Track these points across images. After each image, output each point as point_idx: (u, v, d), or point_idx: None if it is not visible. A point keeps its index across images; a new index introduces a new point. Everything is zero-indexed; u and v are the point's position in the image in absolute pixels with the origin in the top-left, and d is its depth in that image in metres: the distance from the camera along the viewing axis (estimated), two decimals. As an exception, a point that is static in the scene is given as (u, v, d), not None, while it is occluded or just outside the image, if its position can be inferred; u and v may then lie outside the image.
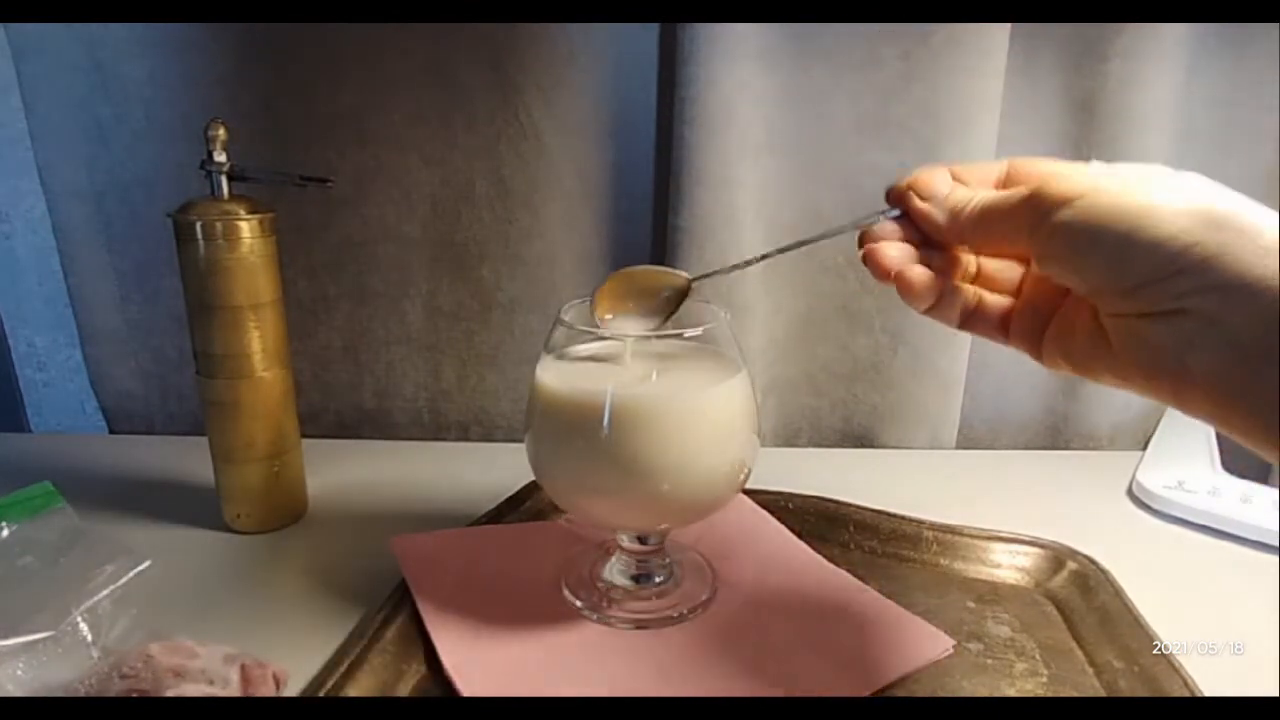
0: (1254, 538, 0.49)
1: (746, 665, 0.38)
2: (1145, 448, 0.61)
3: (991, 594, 0.44)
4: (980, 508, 0.51)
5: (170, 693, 0.33)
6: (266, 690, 0.35)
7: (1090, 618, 0.41)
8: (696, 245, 0.60)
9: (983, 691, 0.36)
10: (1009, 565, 0.46)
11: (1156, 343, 0.26)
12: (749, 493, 0.51)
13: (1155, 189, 0.26)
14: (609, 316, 0.39)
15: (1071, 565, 0.45)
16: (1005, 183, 0.32)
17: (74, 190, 0.62)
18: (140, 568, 0.39)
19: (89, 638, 0.36)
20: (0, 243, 0.69)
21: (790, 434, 0.69)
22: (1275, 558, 0.48)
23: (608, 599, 0.42)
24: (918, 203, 0.32)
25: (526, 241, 0.63)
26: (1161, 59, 0.57)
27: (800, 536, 0.48)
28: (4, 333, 0.71)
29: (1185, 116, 0.59)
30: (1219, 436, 0.58)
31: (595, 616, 0.41)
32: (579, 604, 0.42)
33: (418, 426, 0.69)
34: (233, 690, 0.34)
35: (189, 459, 0.55)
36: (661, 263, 0.62)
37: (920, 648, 0.39)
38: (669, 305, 0.39)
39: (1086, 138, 0.59)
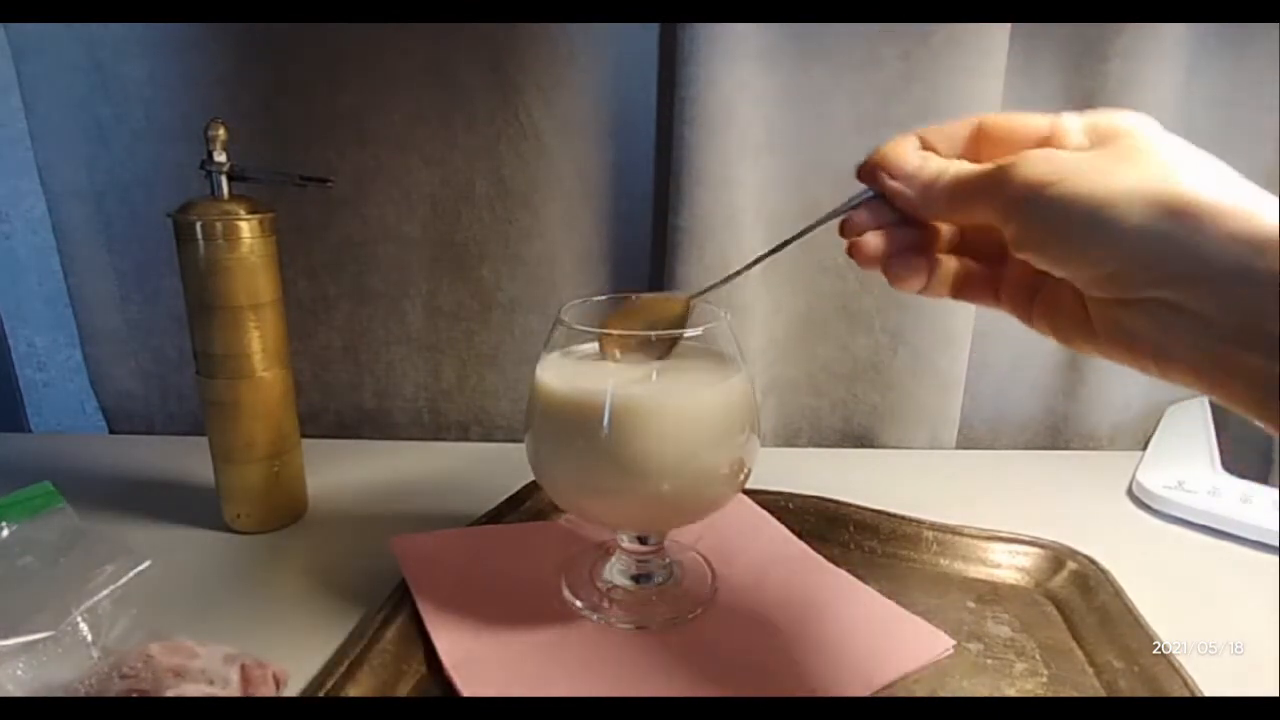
0: (1254, 538, 0.49)
1: (746, 665, 0.38)
2: (1145, 448, 0.61)
3: (991, 594, 0.44)
4: (980, 508, 0.51)
5: (170, 693, 0.33)
6: (266, 690, 0.35)
7: (1090, 618, 0.41)
8: (696, 245, 0.60)
9: (983, 691, 0.36)
10: (1009, 565, 0.46)
11: (1133, 328, 0.26)
12: (749, 493, 0.51)
13: (1118, 176, 0.25)
14: (618, 355, 0.39)
15: (1071, 565, 0.45)
16: (975, 142, 0.31)
17: (74, 190, 0.62)
18: (140, 568, 0.39)
19: (89, 638, 0.36)
20: (0, 243, 0.69)
21: (790, 434, 0.69)
22: (1275, 558, 0.48)
23: (608, 599, 0.42)
24: (889, 183, 0.31)
25: (526, 241, 0.63)
26: (1161, 59, 0.57)
27: (800, 536, 0.48)
28: (4, 333, 0.71)
29: (1185, 116, 0.59)
30: (1219, 436, 0.58)
31: (595, 616, 0.41)
32: (579, 604, 0.42)
33: (418, 426, 0.69)
34: (233, 690, 0.34)
35: (189, 459, 0.55)
36: (661, 263, 0.62)
37: (920, 648, 0.39)
38: (674, 335, 0.39)
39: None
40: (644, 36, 0.60)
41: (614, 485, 0.38)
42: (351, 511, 0.53)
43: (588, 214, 0.64)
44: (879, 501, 0.51)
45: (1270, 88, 0.59)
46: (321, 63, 0.59)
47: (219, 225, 0.45)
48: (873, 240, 0.32)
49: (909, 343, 0.63)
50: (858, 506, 0.51)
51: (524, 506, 0.51)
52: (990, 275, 0.33)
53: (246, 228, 0.46)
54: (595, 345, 0.40)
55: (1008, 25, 0.56)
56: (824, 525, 0.50)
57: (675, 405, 0.37)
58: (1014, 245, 0.28)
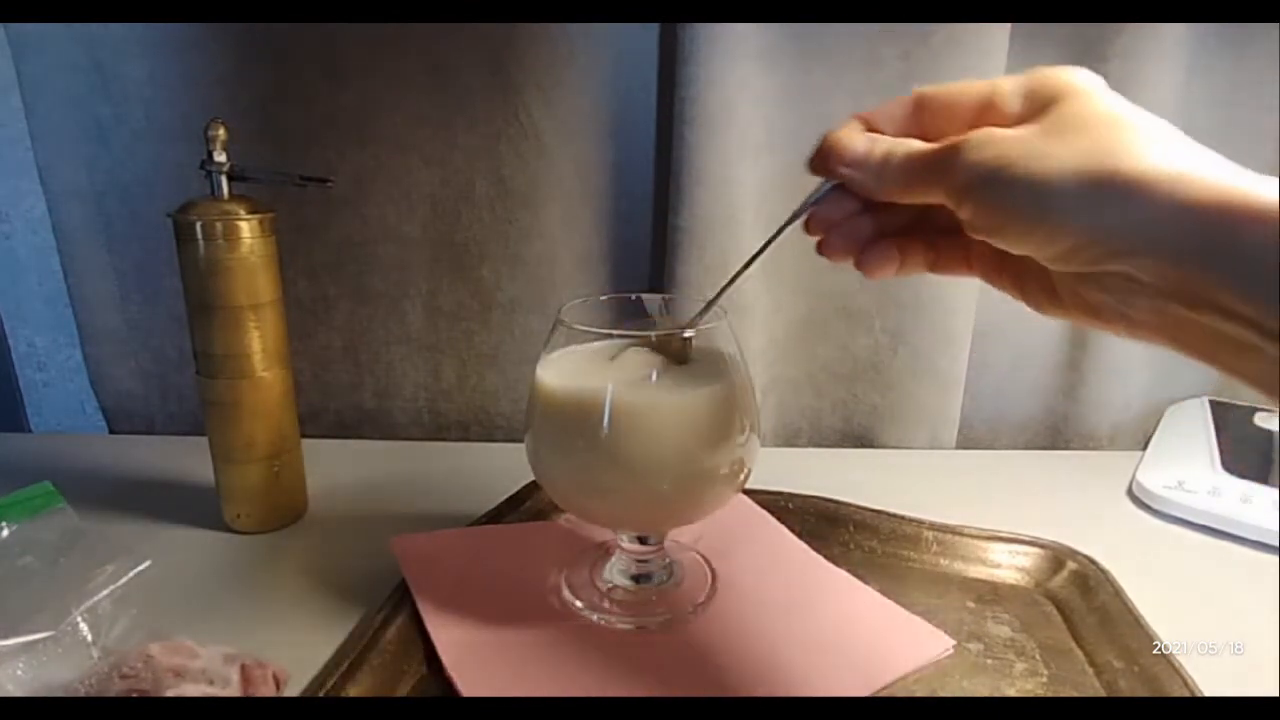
0: (1254, 538, 0.49)
1: (746, 665, 0.38)
2: (1145, 448, 0.61)
3: (991, 594, 0.44)
4: (980, 508, 0.51)
5: (170, 693, 0.33)
6: (266, 690, 0.35)
7: (1090, 618, 0.41)
8: (696, 245, 0.60)
9: (983, 691, 0.36)
10: (1009, 565, 0.46)
11: (1094, 298, 0.27)
12: (749, 493, 0.51)
13: (1057, 156, 0.25)
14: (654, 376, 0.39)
15: (1071, 565, 0.45)
16: (916, 116, 0.31)
17: (74, 190, 0.62)
18: (140, 568, 0.39)
19: (89, 638, 0.36)
20: (0, 243, 0.69)
21: (790, 434, 0.69)
22: (1275, 558, 0.48)
23: (608, 599, 0.42)
24: (842, 170, 0.31)
25: (526, 241, 0.63)
26: (1161, 59, 0.57)
27: (800, 536, 0.48)
28: (4, 333, 0.71)
29: (1185, 116, 0.59)
30: (1219, 436, 0.58)
31: (595, 616, 0.41)
32: (579, 604, 0.42)
33: (418, 426, 0.69)
34: (233, 690, 0.34)
35: (189, 459, 0.55)
36: (661, 263, 0.62)
37: (920, 648, 0.39)
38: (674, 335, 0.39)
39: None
40: (644, 36, 0.60)
41: (614, 485, 0.38)
42: (351, 511, 0.53)
43: (588, 214, 0.64)
44: (879, 501, 0.51)
45: (1270, 88, 0.59)
46: (321, 63, 0.59)
47: (219, 225, 0.45)
48: (838, 238, 0.32)
49: (909, 343, 0.63)
50: (857, 506, 0.51)
51: (524, 506, 0.51)
52: (960, 246, 0.33)
53: (246, 228, 0.46)
54: (595, 346, 0.40)
55: (1008, 25, 0.56)
56: (824, 525, 0.50)
57: (675, 405, 0.37)
58: (968, 228, 0.28)
